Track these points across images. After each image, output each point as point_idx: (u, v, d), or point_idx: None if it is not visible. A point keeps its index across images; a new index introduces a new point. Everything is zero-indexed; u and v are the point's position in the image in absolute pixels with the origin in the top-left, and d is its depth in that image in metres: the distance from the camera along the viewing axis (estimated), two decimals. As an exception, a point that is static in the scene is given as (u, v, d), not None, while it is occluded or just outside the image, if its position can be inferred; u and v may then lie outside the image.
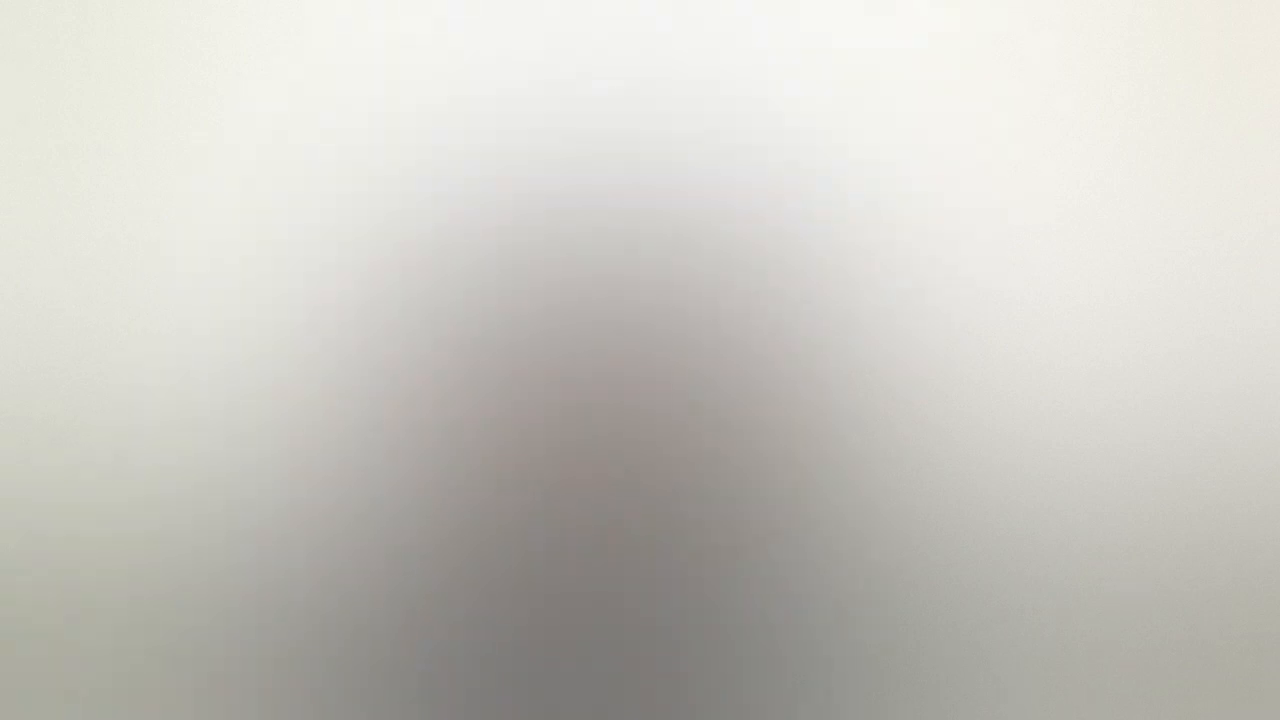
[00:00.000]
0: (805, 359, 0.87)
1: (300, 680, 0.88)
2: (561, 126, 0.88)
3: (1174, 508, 0.87)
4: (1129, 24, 0.89)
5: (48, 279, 0.88)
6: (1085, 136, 0.88)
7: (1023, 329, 0.88)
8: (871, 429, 0.87)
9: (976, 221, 0.88)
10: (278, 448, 0.88)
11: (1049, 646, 0.88)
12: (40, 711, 0.88)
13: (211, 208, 0.88)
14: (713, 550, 0.87)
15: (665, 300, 0.88)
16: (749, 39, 0.88)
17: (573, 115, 0.88)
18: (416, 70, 0.88)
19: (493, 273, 0.88)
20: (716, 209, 0.88)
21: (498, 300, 0.88)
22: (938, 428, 0.87)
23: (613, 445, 0.87)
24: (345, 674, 0.88)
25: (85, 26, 0.89)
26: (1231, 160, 0.88)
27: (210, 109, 0.88)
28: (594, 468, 0.87)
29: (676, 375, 0.87)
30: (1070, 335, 0.88)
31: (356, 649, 0.88)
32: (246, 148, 0.88)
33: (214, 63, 0.88)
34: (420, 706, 0.88)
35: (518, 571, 0.88)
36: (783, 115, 0.88)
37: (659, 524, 0.87)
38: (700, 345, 0.87)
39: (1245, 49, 0.88)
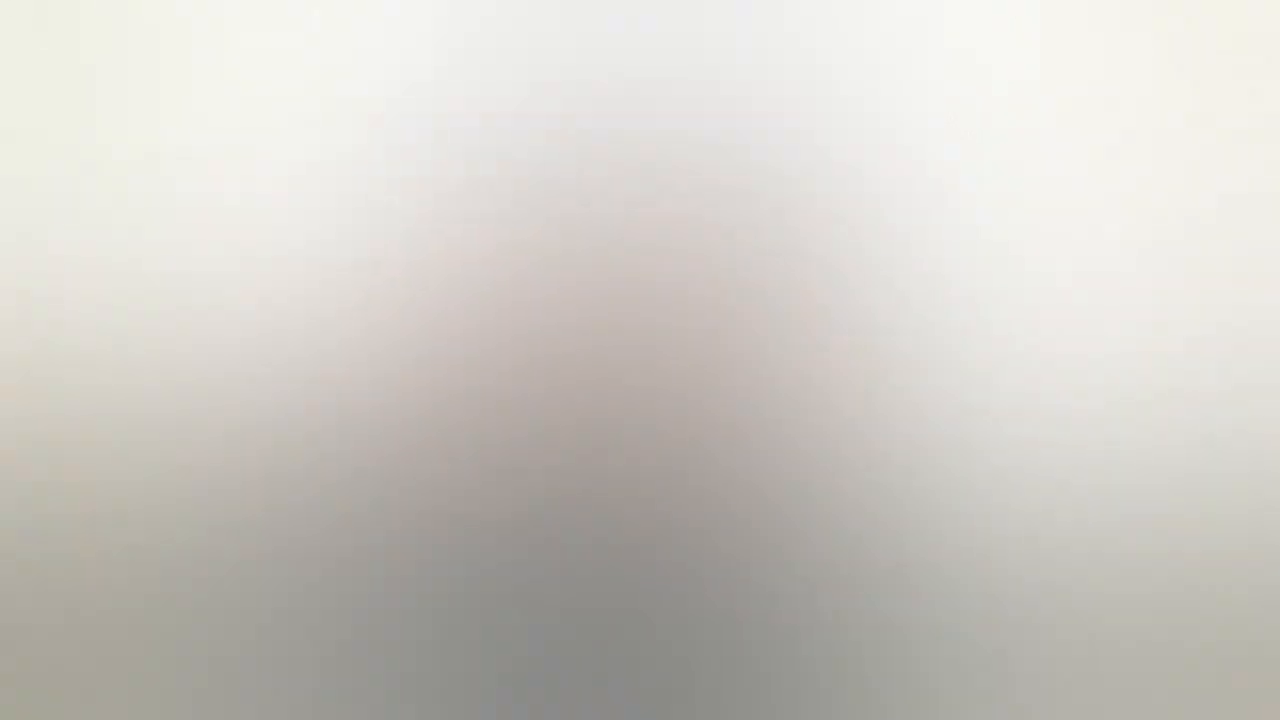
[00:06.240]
0: (804, 359, 0.87)
1: (301, 680, 0.88)
2: (561, 127, 0.88)
3: (1174, 508, 0.87)
4: (1130, 23, 0.89)
5: (48, 277, 0.88)
6: (1086, 137, 0.88)
7: (1022, 328, 0.88)
8: (872, 428, 0.87)
9: (976, 220, 0.88)
10: (277, 446, 0.88)
11: (1050, 647, 0.88)
12: (40, 711, 0.88)
13: (210, 207, 0.88)
14: (712, 550, 0.87)
15: (665, 300, 0.88)
16: (747, 38, 0.88)
17: (573, 115, 0.88)
18: (416, 70, 0.88)
19: (493, 273, 0.88)
20: (715, 209, 0.88)
21: (497, 302, 0.88)
22: (938, 428, 0.87)
23: (609, 448, 0.87)
24: (344, 674, 0.88)
25: (84, 26, 0.89)
26: (1235, 161, 0.88)
27: (210, 108, 0.88)
28: (589, 470, 0.87)
29: (675, 376, 0.87)
30: (1071, 336, 0.88)
31: (355, 650, 0.88)
32: (246, 146, 0.88)
33: (214, 61, 0.89)
34: (417, 705, 0.88)
35: (518, 572, 0.88)
36: (782, 115, 0.88)
37: (656, 526, 0.87)
38: (699, 347, 0.87)
39: (1247, 48, 0.89)
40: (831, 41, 0.88)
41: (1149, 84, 0.88)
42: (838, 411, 0.87)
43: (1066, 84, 0.88)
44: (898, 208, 0.88)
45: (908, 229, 0.88)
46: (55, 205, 0.88)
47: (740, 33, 0.88)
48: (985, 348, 0.87)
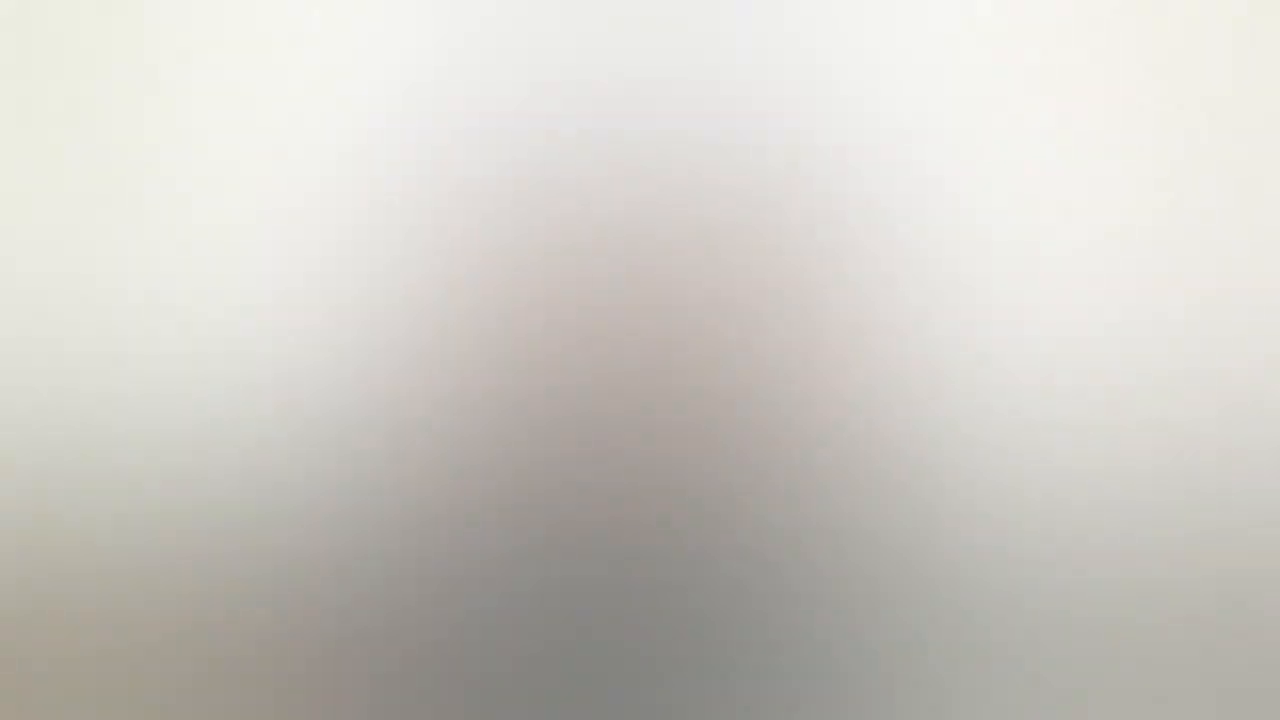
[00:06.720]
0: (805, 359, 0.87)
1: (301, 679, 0.88)
2: (561, 127, 0.88)
3: (1173, 507, 0.87)
4: (1130, 24, 0.89)
5: (47, 277, 0.88)
6: (1086, 136, 0.88)
7: (1023, 328, 0.88)
8: (872, 427, 0.87)
9: (976, 220, 0.88)
10: (276, 445, 0.88)
11: (1050, 647, 0.88)
12: (40, 711, 0.88)
13: (210, 207, 0.88)
14: (711, 549, 0.87)
15: (664, 300, 0.88)
16: (747, 38, 0.88)
17: (573, 115, 0.88)
18: (416, 70, 0.88)
19: (493, 273, 0.88)
20: (715, 209, 0.88)
21: (497, 302, 0.88)
22: (938, 426, 0.87)
23: (609, 446, 0.87)
24: (343, 673, 0.88)
25: (84, 26, 0.89)
26: (1235, 161, 0.88)
27: (210, 109, 0.88)
28: (588, 468, 0.87)
29: (674, 374, 0.87)
30: (1071, 336, 0.88)
31: (355, 650, 0.88)
32: (245, 146, 0.88)
33: (215, 61, 0.89)
34: (417, 705, 0.88)
35: (517, 572, 0.88)
36: (782, 115, 0.88)
37: (654, 525, 0.87)
38: (698, 346, 0.87)
39: (1250, 49, 0.89)
40: (831, 41, 0.88)
41: (1149, 84, 0.88)
42: (838, 411, 0.87)
43: (1066, 84, 0.88)
44: (897, 208, 0.88)
45: (908, 229, 0.88)
46: (55, 206, 0.88)
47: (740, 33, 0.88)
48: (985, 347, 0.87)
